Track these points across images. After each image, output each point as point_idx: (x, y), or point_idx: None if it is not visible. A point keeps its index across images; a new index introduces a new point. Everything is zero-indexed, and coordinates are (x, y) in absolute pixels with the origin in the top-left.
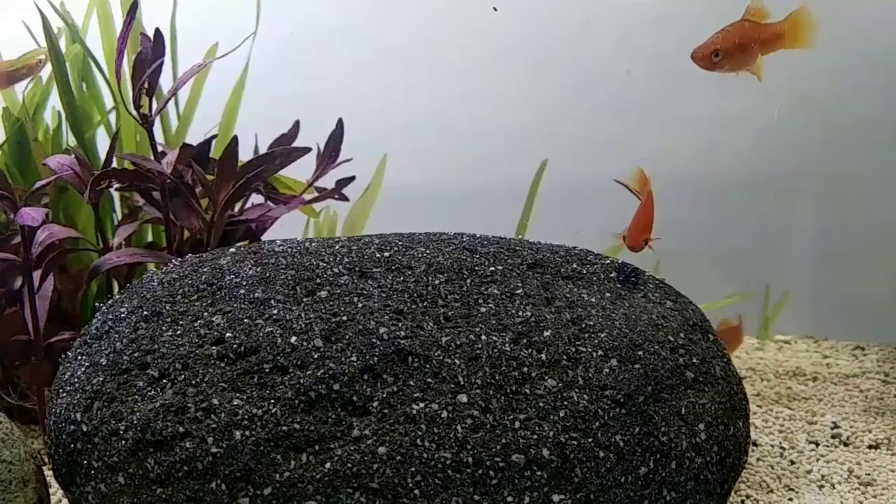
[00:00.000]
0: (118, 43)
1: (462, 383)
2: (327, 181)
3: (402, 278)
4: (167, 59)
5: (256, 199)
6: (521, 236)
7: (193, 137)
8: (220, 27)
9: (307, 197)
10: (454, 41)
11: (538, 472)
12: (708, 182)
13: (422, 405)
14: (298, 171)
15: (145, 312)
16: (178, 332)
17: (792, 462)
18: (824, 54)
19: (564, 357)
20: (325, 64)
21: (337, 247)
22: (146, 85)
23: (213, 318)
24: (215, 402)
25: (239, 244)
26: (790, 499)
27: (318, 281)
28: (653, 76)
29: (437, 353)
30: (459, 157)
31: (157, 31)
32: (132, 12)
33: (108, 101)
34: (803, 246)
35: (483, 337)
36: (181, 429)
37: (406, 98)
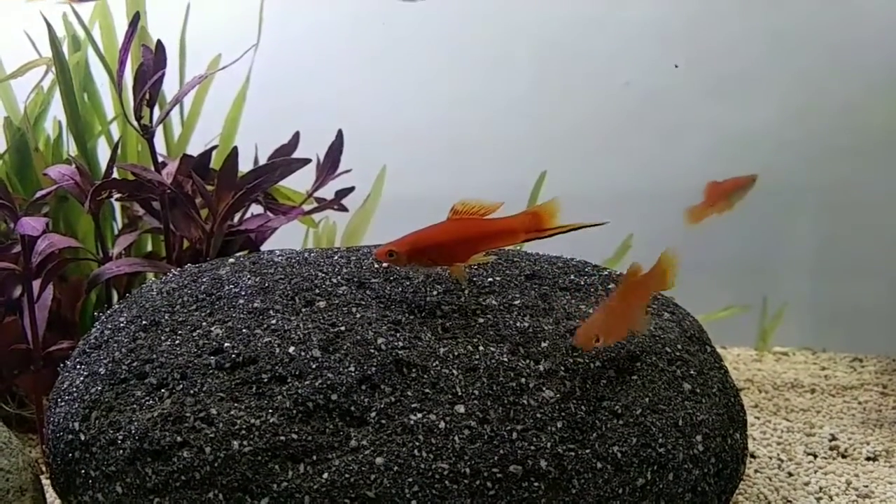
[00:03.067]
0: (120, 54)
1: (460, 394)
2: (327, 192)
3: (400, 289)
4: (175, 71)
5: (256, 209)
6: (519, 247)
7: (196, 147)
8: (226, 40)
9: (306, 207)
10: (454, 54)
11: (536, 483)
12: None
13: (419, 416)
14: (298, 182)
15: (144, 322)
16: (177, 341)
17: (790, 474)
18: (824, 66)
19: (562, 368)
20: (326, 76)
21: (336, 257)
22: (147, 96)
23: (212, 328)
24: (213, 411)
25: (238, 254)
26: None
27: (317, 291)
28: (651, 87)
29: (434, 364)
30: (458, 167)
31: (159, 43)
32: (134, 23)
33: (110, 112)
34: (801, 257)
35: (481, 347)
36: (179, 438)
37: (405, 110)
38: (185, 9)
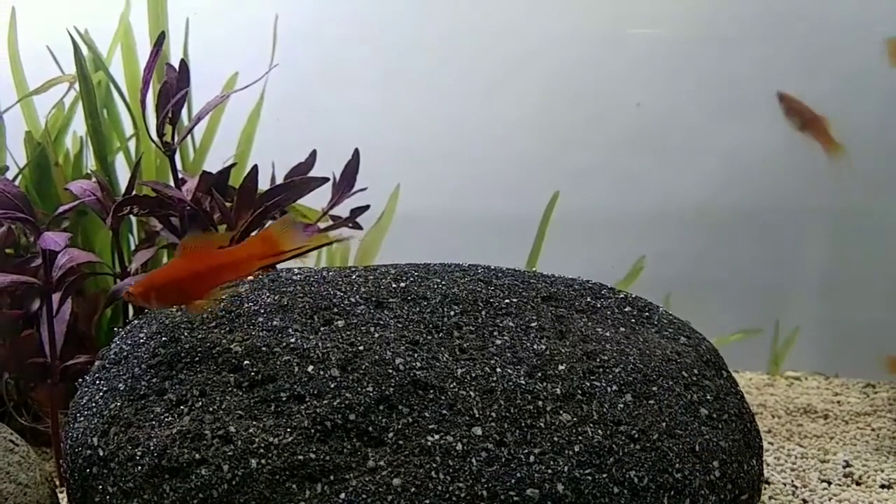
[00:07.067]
0: (144, 73)
1: (477, 416)
2: (341, 209)
3: (417, 309)
4: None
5: None
6: (534, 268)
7: (209, 164)
8: (236, 54)
9: (322, 225)
10: (467, 74)
11: None
12: (718, 215)
13: (437, 437)
14: (313, 199)
15: (164, 338)
16: (197, 358)
17: (804, 501)
18: (832, 90)
19: (579, 391)
20: (341, 94)
21: (354, 276)
22: (170, 114)
23: (232, 346)
24: (232, 429)
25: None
26: None
27: (336, 310)
28: (663, 109)
29: (452, 385)
30: (471, 186)
31: (182, 62)
32: (159, 44)
33: (128, 129)
34: (814, 281)
35: (498, 369)
36: (197, 456)
37: (418, 129)
38: (200, 20)
